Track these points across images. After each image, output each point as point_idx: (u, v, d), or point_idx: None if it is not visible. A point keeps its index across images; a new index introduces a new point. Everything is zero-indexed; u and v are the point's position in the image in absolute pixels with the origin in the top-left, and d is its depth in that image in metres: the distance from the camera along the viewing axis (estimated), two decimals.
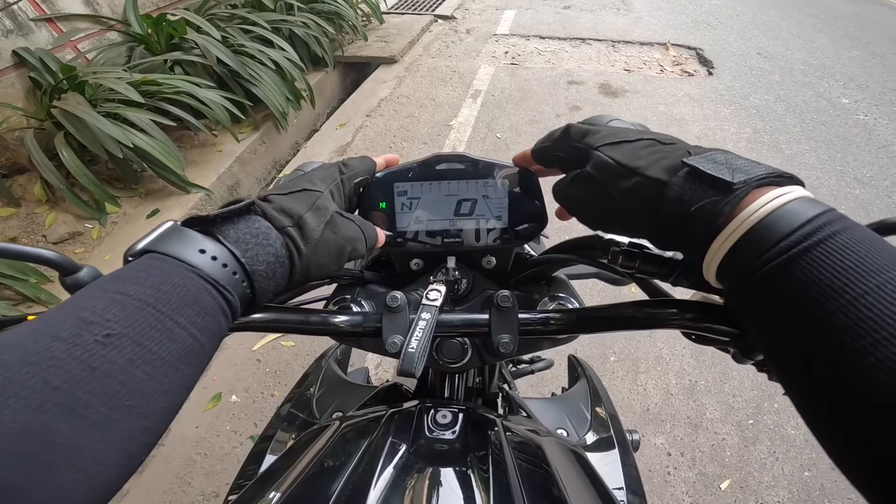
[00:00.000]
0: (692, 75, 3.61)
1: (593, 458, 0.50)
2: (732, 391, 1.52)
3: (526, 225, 0.44)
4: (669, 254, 0.35)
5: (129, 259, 0.27)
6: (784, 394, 0.32)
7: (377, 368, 1.55)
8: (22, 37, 2.00)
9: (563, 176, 0.37)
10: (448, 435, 0.39)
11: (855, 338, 0.19)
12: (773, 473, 1.33)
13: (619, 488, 0.58)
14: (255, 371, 1.55)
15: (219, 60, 2.31)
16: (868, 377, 0.18)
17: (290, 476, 0.37)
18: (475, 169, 0.43)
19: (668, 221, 0.27)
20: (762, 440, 1.40)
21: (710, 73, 3.64)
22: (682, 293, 0.35)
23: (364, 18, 4.00)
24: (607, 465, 0.59)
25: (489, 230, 0.44)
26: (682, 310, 0.34)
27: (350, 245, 0.36)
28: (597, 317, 0.38)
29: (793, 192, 0.23)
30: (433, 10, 4.78)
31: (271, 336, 1.64)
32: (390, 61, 3.67)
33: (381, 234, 0.42)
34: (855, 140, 2.81)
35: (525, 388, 1.46)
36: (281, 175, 2.61)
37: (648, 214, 0.28)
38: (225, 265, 0.28)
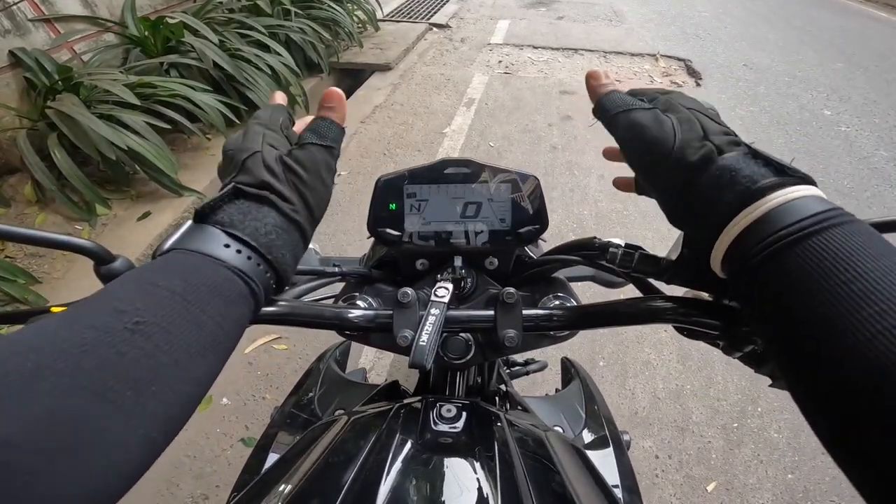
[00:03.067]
0: (681, 86, 3.69)
1: (589, 455, 0.52)
2: (717, 395, 1.55)
3: (528, 228, 0.46)
4: (663, 255, 0.38)
5: (157, 257, 0.29)
6: (770, 385, 0.34)
7: (371, 371, 1.56)
8: (19, 37, 2.00)
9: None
10: (453, 428, 0.41)
11: (856, 309, 0.20)
12: (758, 476, 1.35)
13: (615, 486, 0.59)
14: (247, 374, 1.55)
15: (215, 64, 2.33)
16: (868, 349, 0.19)
17: (299, 469, 0.38)
18: (481, 173, 0.45)
19: (709, 186, 0.30)
20: (746, 443, 1.43)
21: (698, 85, 3.72)
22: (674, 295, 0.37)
23: (360, 25, 4.03)
24: (603, 463, 0.61)
25: (493, 232, 0.46)
26: (675, 305, 0.36)
27: (321, 161, 0.36)
28: (597, 312, 0.40)
29: (810, 189, 0.26)
30: (428, 19, 4.84)
31: (263, 339, 1.64)
32: (385, 68, 3.70)
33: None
34: (836, 151, 2.89)
35: (518, 390, 1.48)
36: None
37: (694, 173, 0.31)
38: (248, 257, 0.29)
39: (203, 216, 0.30)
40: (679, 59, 4.14)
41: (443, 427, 0.41)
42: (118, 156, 1.81)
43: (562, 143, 2.91)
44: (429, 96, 3.41)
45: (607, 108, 0.37)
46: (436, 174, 0.45)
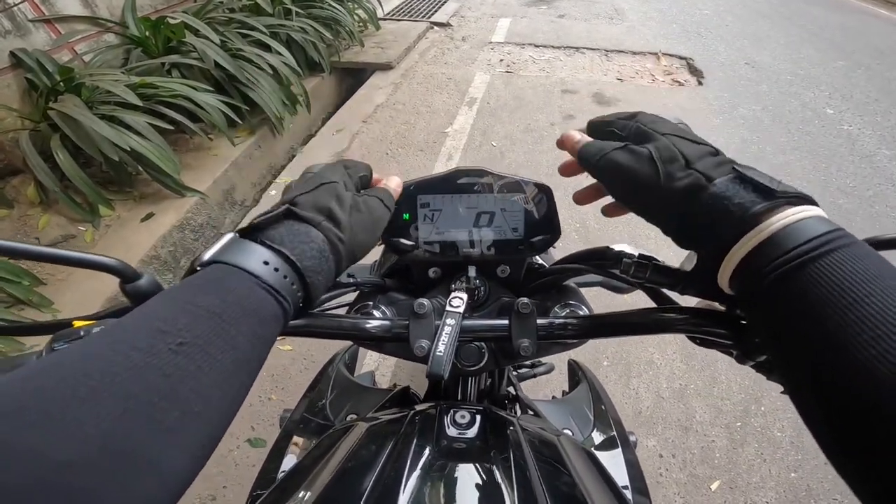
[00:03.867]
0: (683, 85, 3.69)
1: (599, 456, 0.52)
2: (721, 394, 1.56)
3: (540, 237, 0.46)
4: (677, 266, 0.37)
5: (198, 268, 0.29)
6: (782, 392, 0.34)
7: (377, 371, 1.57)
8: (20, 38, 1.99)
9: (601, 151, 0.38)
10: (468, 434, 0.41)
11: (859, 332, 0.21)
12: (761, 474, 1.36)
13: (625, 487, 0.59)
14: None
15: (216, 64, 2.32)
16: (869, 370, 0.20)
17: (319, 476, 0.39)
18: (494, 183, 0.45)
19: (703, 215, 0.30)
20: (750, 442, 1.43)
21: (700, 83, 3.72)
22: (686, 304, 0.37)
23: (361, 24, 4.02)
24: (612, 465, 0.61)
25: (506, 241, 0.46)
26: (688, 316, 0.36)
27: (378, 217, 0.39)
28: (610, 323, 0.41)
29: (812, 210, 0.27)
30: (429, 17, 4.83)
31: None
32: (386, 67, 3.70)
33: (397, 182, 0.44)
34: (839, 150, 2.89)
35: (525, 391, 1.48)
36: (279, 180, 2.62)
37: (686, 205, 0.31)
38: (285, 276, 0.30)
39: (248, 231, 0.31)
40: (681, 58, 4.14)
41: (456, 433, 0.41)
42: (121, 157, 1.80)
43: None
44: (431, 95, 3.41)
45: (587, 159, 0.38)
46: (449, 184, 0.45)
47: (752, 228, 0.27)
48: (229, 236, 0.31)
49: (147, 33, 2.40)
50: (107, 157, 1.77)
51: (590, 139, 0.39)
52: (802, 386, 0.25)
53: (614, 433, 0.67)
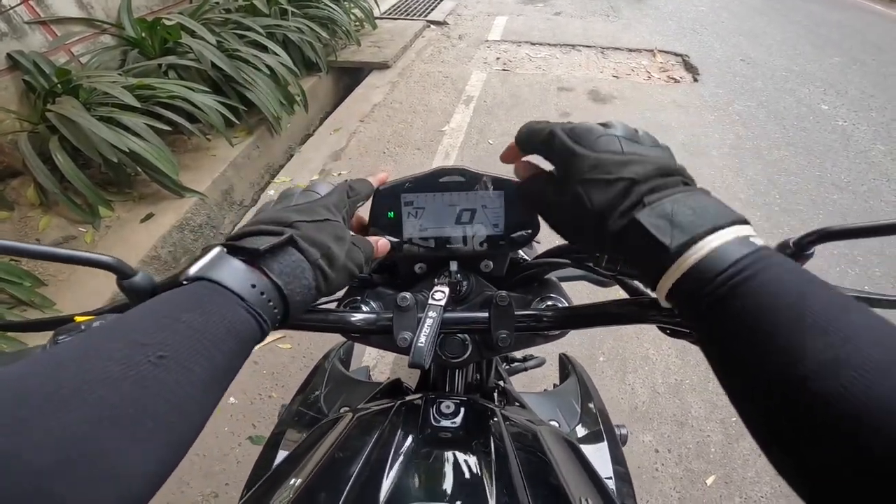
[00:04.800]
0: (678, 82, 3.71)
1: (583, 449, 0.54)
2: (716, 389, 1.56)
3: (521, 232, 0.48)
4: None
5: (184, 282, 0.30)
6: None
7: (374, 369, 1.58)
8: (16, 40, 2.00)
9: (537, 175, 0.40)
10: (452, 424, 0.43)
11: (782, 354, 0.22)
12: (756, 469, 1.37)
13: (609, 478, 0.61)
14: (253, 373, 1.57)
15: (213, 65, 2.33)
16: (799, 377, 0.22)
17: (308, 464, 0.40)
18: (475, 181, 0.47)
19: (629, 248, 0.31)
20: (745, 437, 1.44)
21: (696, 80, 3.73)
22: None
23: (357, 24, 4.02)
24: (597, 457, 0.63)
25: (487, 237, 0.48)
26: (658, 307, 0.38)
27: (358, 266, 0.40)
28: (584, 314, 0.43)
29: (726, 237, 0.26)
30: (426, 16, 4.83)
31: (267, 340, 1.65)
32: (383, 66, 3.70)
33: (384, 244, 0.46)
34: (833, 146, 2.91)
35: (518, 385, 1.49)
36: (277, 180, 2.63)
37: (613, 240, 0.31)
38: (269, 300, 0.31)
39: (238, 248, 0.32)
40: (676, 55, 4.15)
41: (442, 423, 0.43)
42: (119, 158, 1.81)
43: None
44: (427, 94, 3.42)
45: (525, 196, 0.41)
46: (432, 182, 0.47)
47: (671, 264, 0.27)
48: (216, 251, 0.31)
49: (143, 34, 2.40)
50: (105, 159, 1.78)
51: (532, 173, 0.41)
52: (742, 393, 0.26)
53: (600, 426, 0.69)
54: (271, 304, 0.31)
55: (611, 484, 0.60)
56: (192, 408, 0.25)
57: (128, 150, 1.81)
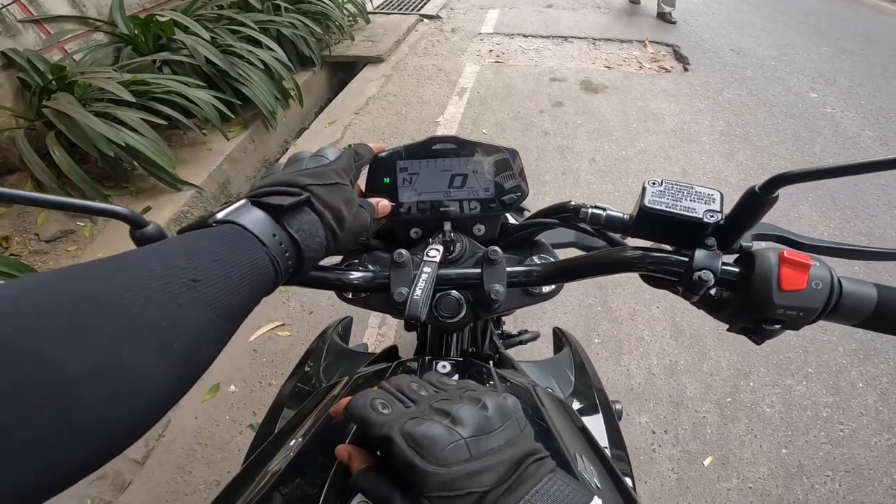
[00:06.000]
0: (669, 71, 3.73)
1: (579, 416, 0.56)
2: (710, 370, 1.59)
3: (510, 195, 0.51)
4: (627, 216, 0.42)
5: (212, 224, 0.32)
6: (728, 330, 0.38)
7: (375, 347, 1.60)
8: (10, 38, 2.00)
9: None
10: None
11: None
12: (752, 450, 1.39)
13: (605, 447, 0.62)
14: (252, 361, 1.59)
15: (207, 60, 2.34)
16: None
17: (305, 427, 0.42)
18: (465, 148, 0.50)
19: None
20: (740, 418, 1.46)
21: (686, 69, 3.76)
22: None
23: (350, 18, 4.02)
24: (592, 425, 0.64)
25: (478, 200, 0.51)
26: (640, 255, 0.41)
27: (364, 227, 0.43)
28: (572, 266, 0.45)
29: None
30: (419, 10, 4.83)
31: (267, 327, 1.68)
32: (377, 60, 3.71)
33: (385, 205, 0.48)
34: (822, 132, 2.95)
35: None
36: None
37: None
38: (286, 251, 0.34)
39: (261, 203, 0.34)
40: (667, 45, 4.17)
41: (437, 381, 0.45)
42: (116, 152, 1.82)
43: (553, 128, 2.95)
44: (421, 87, 3.43)
45: None
46: (426, 150, 0.50)
47: None
48: (243, 201, 0.34)
49: (137, 31, 2.40)
50: (102, 153, 1.80)
51: (366, 464, 0.33)
52: None
53: (595, 397, 0.70)
54: (287, 255, 0.34)
55: (607, 452, 0.62)
56: (213, 336, 0.27)
57: (124, 145, 1.81)
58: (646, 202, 0.39)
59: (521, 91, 3.38)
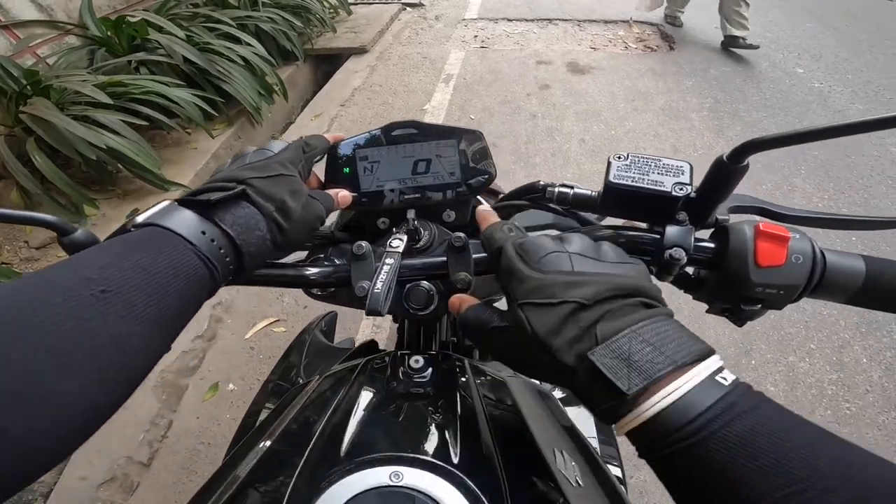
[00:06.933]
0: (655, 50, 3.71)
1: (567, 411, 0.54)
2: None
3: (477, 178, 0.49)
4: (595, 193, 0.41)
5: (131, 229, 0.30)
6: (707, 311, 0.36)
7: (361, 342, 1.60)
8: None
9: (481, 307, 0.35)
10: (421, 378, 0.43)
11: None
12: None
13: (592, 437, 0.62)
14: (250, 359, 1.58)
15: (185, 59, 2.30)
16: None
17: (274, 429, 0.40)
18: (427, 133, 0.48)
19: (583, 388, 0.27)
20: None
21: (672, 48, 3.74)
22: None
23: (331, 10, 3.96)
24: (578, 417, 0.62)
25: (444, 185, 0.49)
26: (612, 232, 0.39)
27: (317, 219, 0.40)
28: None
29: (690, 381, 0.24)
30: None
31: (262, 323, 1.68)
32: (361, 51, 3.67)
33: (345, 196, 0.46)
34: (811, 106, 2.95)
35: None
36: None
37: (566, 376, 0.28)
38: (220, 248, 0.31)
39: (190, 201, 0.32)
40: (652, 25, 4.15)
41: (410, 376, 0.43)
42: (98, 155, 1.80)
43: (541, 111, 2.93)
44: (407, 75, 3.40)
45: (466, 328, 0.35)
46: (385, 137, 0.47)
47: (628, 412, 0.25)
48: (166, 203, 0.32)
49: (109, 33, 2.36)
50: (84, 157, 1.77)
51: (472, 303, 0.36)
52: None
53: None
54: (223, 251, 0.31)
55: (594, 443, 0.61)
56: (136, 343, 0.25)
57: (105, 147, 1.79)
58: (611, 177, 0.37)
59: (507, 75, 3.35)
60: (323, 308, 1.67)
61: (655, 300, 0.29)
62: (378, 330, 1.66)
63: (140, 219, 0.30)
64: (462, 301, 0.36)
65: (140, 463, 1.33)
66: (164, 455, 1.35)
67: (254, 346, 1.62)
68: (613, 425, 0.26)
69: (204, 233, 0.31)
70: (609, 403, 0.25)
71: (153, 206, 0.32)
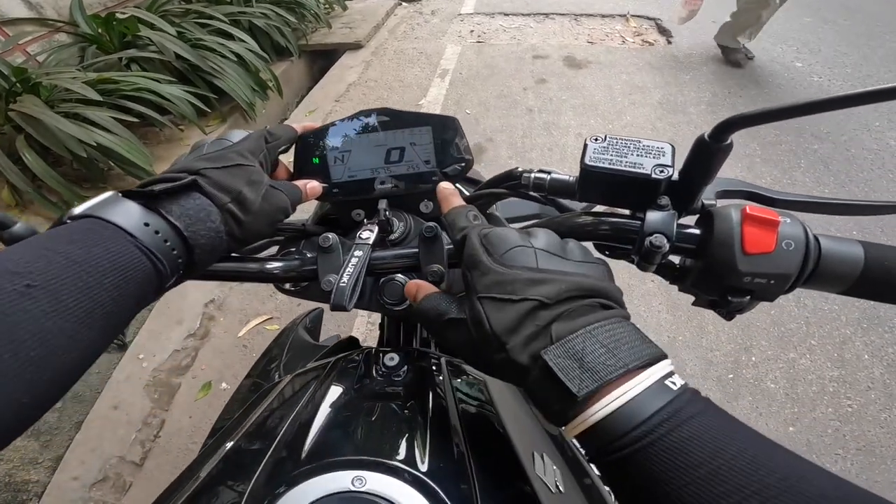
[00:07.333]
0: (652, 45, 3.69)
1: None
2: (710, 346, 1.56)
3: (453, 166, 0.47)
4: (573, 178, 0.38)
5: (67, 221, 0.28)
6: (693, 304, 0.34)
7: (363, 338, 1.58)
8: None
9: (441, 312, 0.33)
10: (395, 376, 0.41)
11: None
12: (758, 429, 1.35)
13: None
14: (242, 357, 1.57)
15: (177, 55, 2.28)
16: None
17: (240, 430, 0.39)
18: (400, 120, 0.46)
19: (535, 387, 0.27)
20: (744, 395, 1.43)
21: (669, 42, 3.72)
22: None
23: (326, 6, 3.93)
24: None
25: (419, 174, 0.47)
26: (592, 220, 0.37)
27: (281, 211, 0.38)
28: None
29: (639, 385, 0.24)
30: None
31: (256, 321, 1.66)
32: (356, 47, 3.64)
33: (314, 187, 0.44)
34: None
35: None
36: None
37: (513, 379, 0.28)
38: (165, 240, 0.29)
39: (135, 193, 0.30)
40: (649, 18, 4.11)
41: (383, 374, 0.42)
42: (89, 153, 1.77)
43: (538, 105, 2.91)
44: (402, 70, 3.37)
45: (423, 318, 0.33)
46: (355, 125, 0.46)
47: (577, 415, 0.24)
48: (108, 194, 0.30)
49: (100, 30, 2.34)
50: (74, 154, 1.75)
51: (429, 291, 0.34)
52: None
53: None
54: (168, 244, 0.30)
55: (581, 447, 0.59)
56: (65, 342, 0.23)
57: (95, 145, 1.77)
58: (586, 160, 0.34)
59: (503, 70, 3.33)
60: (314, 304, 1.66)
61: (615, 302, 0.28)
62: (373, 328, 1.64)
63: (77, 210, 0.29)
64: (419, 288, 0.34)
65: (132, 463, 1.32)
66: (157, 455, 1.34)
67: (247, 344, 1.60)
68: (563, 428, 0.26)
69: (147, 224, 0.29)
70: (560, 405, 0.25)
71: (94, 198, 0.30)
